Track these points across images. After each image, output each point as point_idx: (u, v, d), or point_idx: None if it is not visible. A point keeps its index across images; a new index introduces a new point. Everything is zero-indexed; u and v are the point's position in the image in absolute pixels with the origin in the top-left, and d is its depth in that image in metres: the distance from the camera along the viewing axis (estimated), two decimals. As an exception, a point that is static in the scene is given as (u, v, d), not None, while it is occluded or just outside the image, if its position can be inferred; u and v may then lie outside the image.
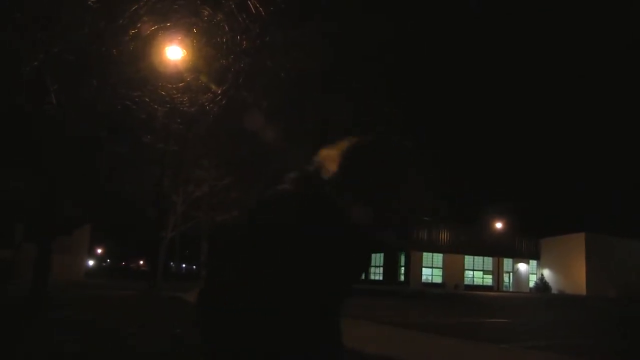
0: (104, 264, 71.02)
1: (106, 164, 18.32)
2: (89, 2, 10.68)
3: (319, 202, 1.60)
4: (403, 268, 53.48)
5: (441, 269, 54.46)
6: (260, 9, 11.95)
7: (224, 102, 14.86)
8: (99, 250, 70.46)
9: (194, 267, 66.20)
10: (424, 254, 53.17)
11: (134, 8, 10.83)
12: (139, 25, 11.26)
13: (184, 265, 79.07)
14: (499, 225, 54.93)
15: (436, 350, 8.37)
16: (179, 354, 6.01)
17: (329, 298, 1.64)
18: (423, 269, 53.38)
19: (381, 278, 55.05)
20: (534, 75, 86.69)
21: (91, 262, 50.62)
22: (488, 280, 57.66)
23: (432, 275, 53.99)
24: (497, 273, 56.43)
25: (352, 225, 1.59)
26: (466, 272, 55.98)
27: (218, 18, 11.93)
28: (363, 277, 1.69)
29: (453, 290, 47.88)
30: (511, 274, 59.84)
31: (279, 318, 1.54)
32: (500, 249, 54.82)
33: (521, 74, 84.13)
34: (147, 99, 12.97)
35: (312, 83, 18.20)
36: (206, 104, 14.37)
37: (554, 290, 53.12)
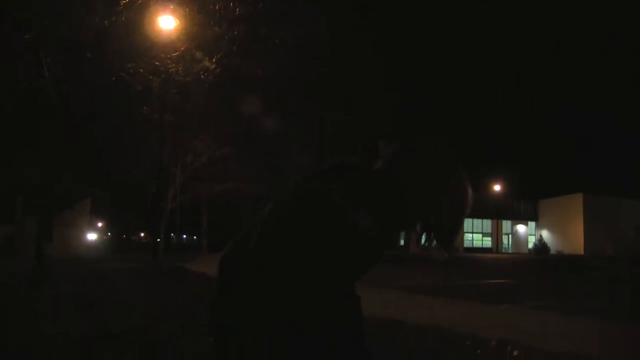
0: (105, 237, 71.25)
1: (105, 137, 18.23)
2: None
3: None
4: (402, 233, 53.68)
5: (441, 232, 54.65)
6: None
7: (218, 70, 14.73)
8: (100, 224, 70.67)
9: (195, 237, 66.49)
10: (423, 217, 53.28)
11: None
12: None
13: (184, 236, 79.42)
14: (497, 187, 55.16)
15: (440, 312, 8.47)
16: (189, 327, 6.04)
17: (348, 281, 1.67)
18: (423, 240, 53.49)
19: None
20: (531, 36, 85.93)
21: (93, 236, 50.78)
22: (487, 242, 58.13)
23: (431, 243, 54.10)
24: (496, 235, 56.84)
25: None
26: (465, 234, 56.35)
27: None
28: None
29: (454, 254, 48.16)
30: (510, 235, 60.28)
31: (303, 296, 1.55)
32: (500, 211, 55.04)
33: (517, 34, 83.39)
34: (141, 70, 12.85)
35: (309, 52, 17.96)
36: (201, 73, 14.24)
37: (553, 251, 53.52)
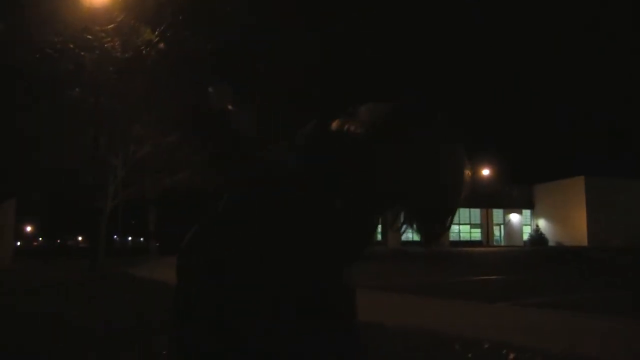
0: (35, 244, 70.05)
1: (29, 126, 17.83)
2: None
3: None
4: (380, 226, 53.82)
5: (422, 225, 54.94)
6: None
7: (162, 45, 14.54)
8: (29, 228, 69.41)
9: (142, 239, 65.88)
10: (403, 209, 53.45)
11: None
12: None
13: (129, 239, 78.67)
14: (486, 172, 55.26)
15: (426, 312, 8.54)
16: (132, 331, 6.01)
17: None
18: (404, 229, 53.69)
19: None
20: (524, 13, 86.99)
21: (19, 243, 49.89)
22: (476, 234, 58.69)
23: (412, 232, 54.44)
24: (486, 226, 57.42)
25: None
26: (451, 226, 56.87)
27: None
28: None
29: (437, 247, 48.52)
30: (502, 226, 60.97)
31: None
32: (489, 199, 55.44)
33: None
34: (71, 45, 12.59)
35: (265, 22, 17.88)
36: (142, 47, 14.04)
37: (552, 242, 54.16)
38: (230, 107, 2.07)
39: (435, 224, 1.64)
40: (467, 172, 1.56)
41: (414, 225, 1.65)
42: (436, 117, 1.56)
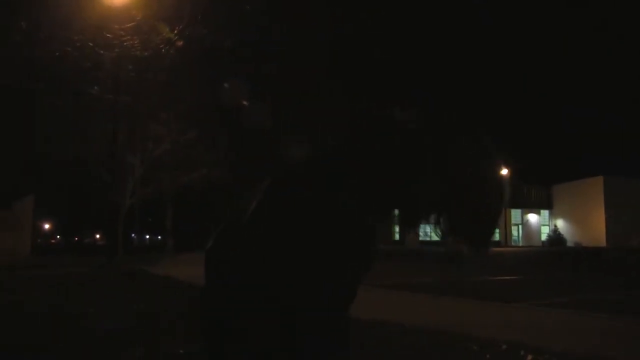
0: (53, 241, 70.64)
1: (48, 122, 18.03)
2: None
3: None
4: (397, 226, 53.55)
5: (441, 225, 54.78)
6: None
7: (181, 43, 14.62)
8: (47, 226, 70.01)
9: (159, 237, 66.25)
10: (421, 209, 53.32)
11: None
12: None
13: (147, 237, 79.12)
14: (504, 171, 55.06)
15: (442, 312, 8.53)
16: (145, 330, 6.07)
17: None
18: (420, 225, 53.57)
19: (373, 238, 55.21)
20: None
21: (38, 240, 50.40)
22: (495, 234, 58.45)
23: (430, 232, 54.36)
24: (504, 226, 57.18)
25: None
26: (469, 226, 56.57)
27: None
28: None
29: (455, 247, 48.25)
30: (520, 226, 60.69)
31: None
32: (507, 199, 55.15)
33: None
34: (90, 44, 12.72)
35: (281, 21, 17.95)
36: (160, 46, 14.15)
37: (570, 243, 53.94)
38: (245, 102, 2.09)
39: (481, 227, 1.65)
40: (506, 185, 1.59)
41: (459, 232, 1.64)
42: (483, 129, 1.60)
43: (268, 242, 1.55)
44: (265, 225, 1.57)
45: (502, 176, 1.58)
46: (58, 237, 78.38)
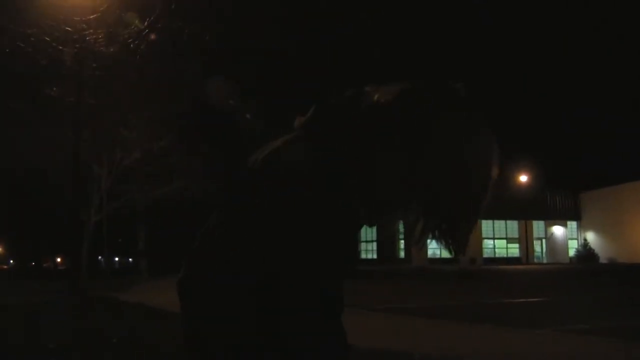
0: (4, 267, 70.39)
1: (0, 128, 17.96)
2: None
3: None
4: (403, 242, 53.61)
5: (452, 240, 54.45)
6: None
7: (152, 37, 14.62)
8: (-3, 249, 69.82)
9: (130, 260, 66.01)
10: (430, 221, 53.01)
11: None
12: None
13: (116, 259, 78.80)
14: (524, 178, 54.77)
15: (454, 339, 8.52)
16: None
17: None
18: (428, 240, 53.12)
19: (375, 256, 55.43)
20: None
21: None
22: (514, 250, 58.18)
23: (440, 248, 53.99)
24: (525, 241, 56.82)
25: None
26: (485, 241, 56.24)
27: None
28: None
29: (469, 265, 48.17)
30: (544, 240, 60.43)
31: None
32: (528, 210, 55.06)
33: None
34: (47, 38, 12.69)
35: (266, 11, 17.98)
36: (129, 40, 14.13)
37: (603, 259, 53.48)
38: (231, 102, 2.09)
39: (460, 223, 1.63)
40: (496, 168, 1.55)
41: (436, 230, 1.64)
42: (475, 103, 1.56)
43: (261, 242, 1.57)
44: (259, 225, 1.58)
45: (493, 162, 1.53)
46: (11, 261, 78.07)
